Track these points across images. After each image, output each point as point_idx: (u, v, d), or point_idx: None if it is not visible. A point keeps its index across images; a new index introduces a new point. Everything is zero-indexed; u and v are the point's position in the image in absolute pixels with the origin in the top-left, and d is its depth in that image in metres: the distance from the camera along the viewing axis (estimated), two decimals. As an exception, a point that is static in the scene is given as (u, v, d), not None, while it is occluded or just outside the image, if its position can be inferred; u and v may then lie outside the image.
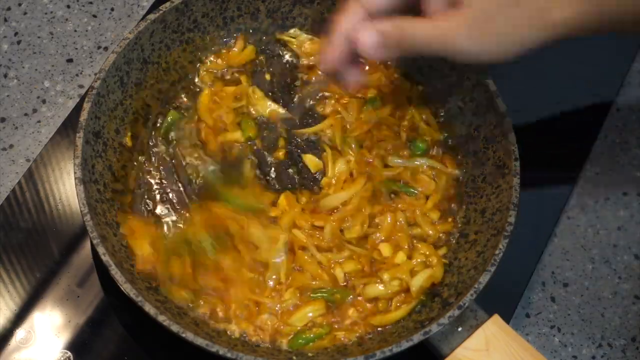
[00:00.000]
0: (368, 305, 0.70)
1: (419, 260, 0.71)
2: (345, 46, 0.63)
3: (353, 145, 0.77)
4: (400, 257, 0.72)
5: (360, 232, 0.73)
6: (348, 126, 0.79)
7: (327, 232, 0.72)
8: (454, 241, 0.74)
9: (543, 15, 0.59)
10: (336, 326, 0.69)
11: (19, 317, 0.72)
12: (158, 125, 0.78)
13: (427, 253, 0.72)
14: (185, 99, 0.80)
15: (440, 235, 0.74)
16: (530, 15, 0.59)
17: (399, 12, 0.61)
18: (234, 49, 0.82)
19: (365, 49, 0.61)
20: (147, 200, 0.74)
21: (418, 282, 0.70)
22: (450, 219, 0.75)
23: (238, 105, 0.79)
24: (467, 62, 0.61)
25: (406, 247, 0.72)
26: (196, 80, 0.81)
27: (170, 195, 0.74)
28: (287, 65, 0.83)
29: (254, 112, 0.80)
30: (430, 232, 0.74)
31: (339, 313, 0.70)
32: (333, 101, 0.80)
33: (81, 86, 0.87)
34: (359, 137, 0.78)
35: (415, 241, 0.73)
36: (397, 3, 0.62)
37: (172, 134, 0.77)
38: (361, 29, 0.61)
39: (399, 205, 0.75)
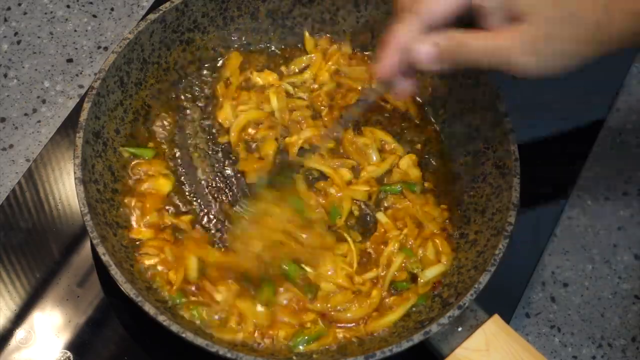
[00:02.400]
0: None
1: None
2: (401, 57, 0.62)
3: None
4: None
5: None
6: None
7: None
8: (454, 241, 0.74)
9: (602, 30, 0.58)
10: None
11: (19, 317, 0.72)
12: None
13: (440, 246, 0.72)
14: (184, 102, 0.80)
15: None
16: (590, 31, 0.58)
17: (456, 25, 0.61)
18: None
19: (421, 61, 0.61)
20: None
21: (430, 274, 0.70)
22: (449, 218, 0.75)
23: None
24: (523, 77, 0.60)
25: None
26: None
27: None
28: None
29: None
30: (432, 230, 0.74)
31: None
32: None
33: (81, 86, 0.87)
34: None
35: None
36: (453, 16, 0.62)
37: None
38: (417, 40, 0.61)
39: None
